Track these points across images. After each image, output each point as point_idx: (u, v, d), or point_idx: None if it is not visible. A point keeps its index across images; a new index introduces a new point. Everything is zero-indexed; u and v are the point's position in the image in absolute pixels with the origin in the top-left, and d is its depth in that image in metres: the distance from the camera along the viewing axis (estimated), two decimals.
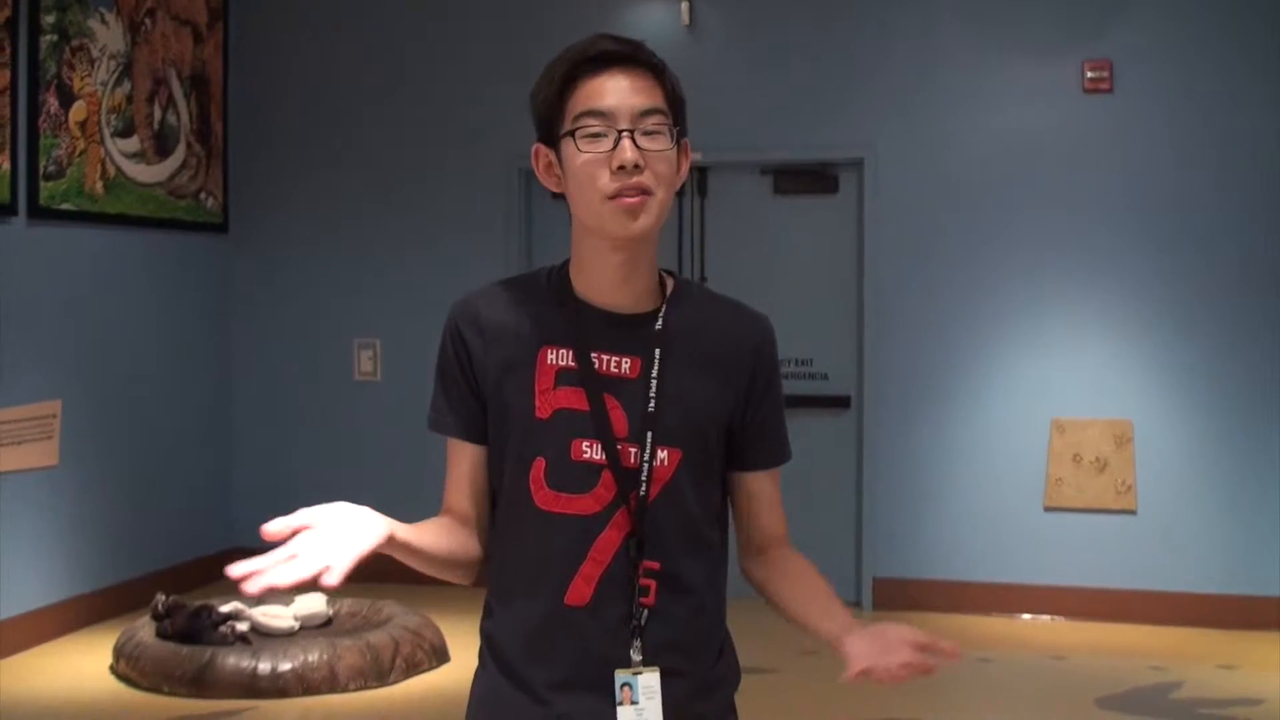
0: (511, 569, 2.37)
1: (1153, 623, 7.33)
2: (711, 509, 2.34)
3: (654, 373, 2.27)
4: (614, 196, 2.21)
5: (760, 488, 2.39)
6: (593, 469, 2.26)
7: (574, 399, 2.28)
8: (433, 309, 8.43)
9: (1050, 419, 7.50)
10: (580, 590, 2.27)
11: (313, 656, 6.16)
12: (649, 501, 2.25)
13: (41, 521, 7.01)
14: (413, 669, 6.40)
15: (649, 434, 2.26)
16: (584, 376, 2.28)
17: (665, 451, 2.26)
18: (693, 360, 2.29)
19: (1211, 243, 7.34)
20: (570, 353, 2.29)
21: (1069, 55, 7.46)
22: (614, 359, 2.28)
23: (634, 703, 2.26)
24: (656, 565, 2.26)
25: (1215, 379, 7.35)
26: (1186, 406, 7.40)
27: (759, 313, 2.39)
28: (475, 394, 2.38)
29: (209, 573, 8.25)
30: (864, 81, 7.73)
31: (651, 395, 2.27)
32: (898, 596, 7.65)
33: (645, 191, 2.21)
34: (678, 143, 2.25)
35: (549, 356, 2.30)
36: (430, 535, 2.37)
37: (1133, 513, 7.43)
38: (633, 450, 2.26)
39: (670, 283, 2.35)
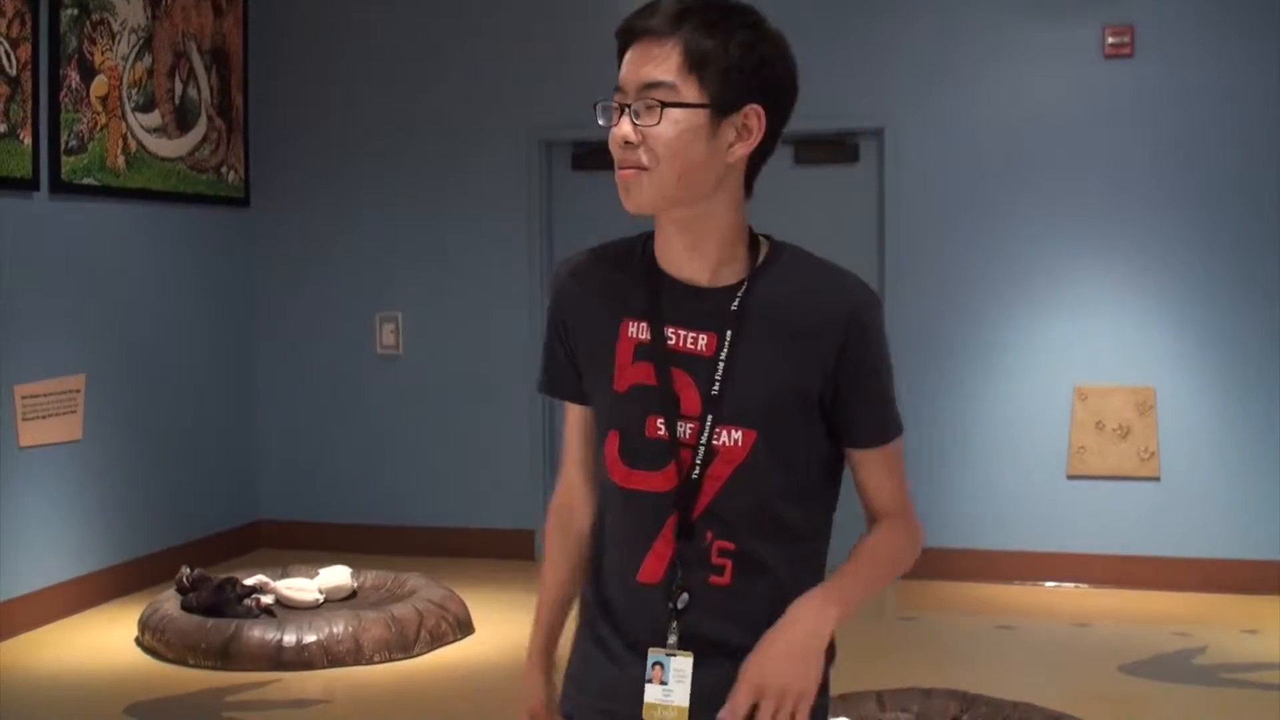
0: (602, 538, 2.37)
1: (1176, 589, 7.32)
2: (801, 488, 2.26)
3: (723, 353, 2.21)
4: (620, 171, 2.20)
5: (863, 464, 2.30)
6: (664, 447, 2.23)
7: (648, 374, 2.25)
8: (454, 282, 8.54)
9: (1073, 386, 7.48)
10: (652, 568, 2.26)
11: (338, 629, 6.19)
12: (703, 482, 2.21)
13: (66, 496, 7.04)
14: (438, 641, 6.42)
15: (709, 416, 2.21)
16: (654, 352, 2.24)
17: (738, 432, 2.20)
18: (774, 335, 2.21)
19: (1234, 208, 7.31)
20: (646, 326, 2.25)
21: (1090, 20, 7.42)
22: (690, 335, 2.23)
23: (663, 683, 2.24)
24: (731, 545, 2.22)
25: (1238, 345, 7.33)
26: (1209, 373, 7.38)
27: (857, 281, 2.26)
28: (571, 361, 2.37)
29: (234, 546, 8.32)
30: (884, 50, 7.71)
31: (717, 376, 2.21)
32: (920, 566, 7.39)
33: (639, 167, 2.17)
34: (713, 113, 2.16)
35: (629, 329, 2.27)
36: (562, 599, 2.51)
37: (1156, 479, 7.41)
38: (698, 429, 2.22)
39: (764, 250, 2.27)
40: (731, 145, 2.17)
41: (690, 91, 2.15)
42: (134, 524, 7.52)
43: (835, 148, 7.83)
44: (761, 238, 2.29)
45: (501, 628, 6.73)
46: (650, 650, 2.25)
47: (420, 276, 8.36)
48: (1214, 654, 6.30)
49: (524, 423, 8.19)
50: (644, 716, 2.24)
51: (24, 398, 6.72)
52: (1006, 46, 7.56)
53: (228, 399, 8.41)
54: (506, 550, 8.19)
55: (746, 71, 2.17)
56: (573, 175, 8.20)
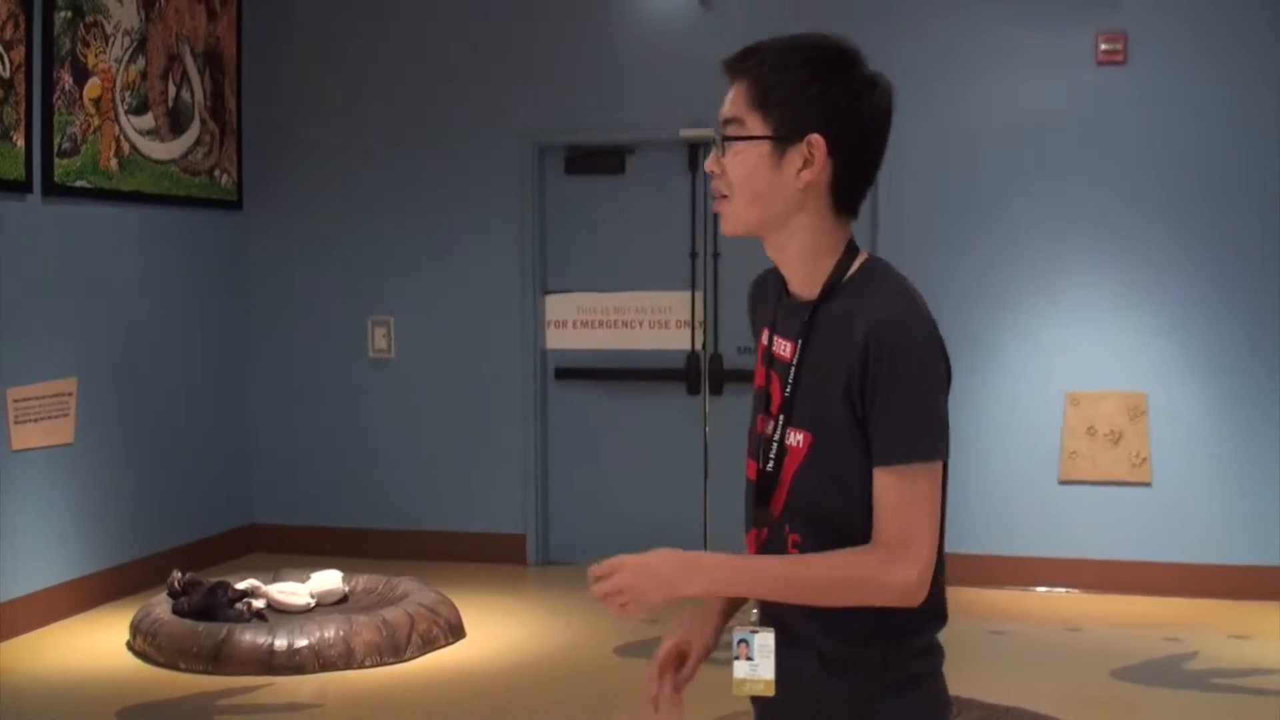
0: None
1: (1167, 594, 7.31)
2: (850, 495, 2.26)
3: (795, 359, 2.35)
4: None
5: (875, 481, 2.24)
6: (759, 441, 2.40)
7: (762, 376, 2.45)
8: (447, 286, 8.52)
9: (1065, 391, 7.49)
10: (749, 550, 2.43)
11: (329, 633, 6.18)
12: (778, 477, 2.35)
13: (58, 499, 7.02)
14: (429, 645, 6.42)
15: (781, 416, 2.35)
16: (765, 356, 2.45)
17: (800, 434, 2.32)
18: (832, 347, 2.30)
19: (1227, 215, 7.32)
20: (767, 333, 2.45)
21: (1083, 26, 7.42)
22: (783, 342, 2.39)
23: (749, 658, 2.34)
24: (798, 537, 2.33)
25: (1231, 351, 7.33)
26: (1201, 379, 7.38)
27: (884, 306, 2.25)
28: None
29: (227, 549, 8.31)
30: (878, 54, 7.58)
31: (790, 380, 2.35)
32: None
33: (722, 195, 2.35)
34: (776, 143, 2.29)
35: (763, 337, 2.47)
36: None
37: (1147, 485, 7.42)
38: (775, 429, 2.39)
39: (855, 267, 2.35)
40: (800, 172, 2.29)
41: (755, 125, 2.30)
42: (126, 528, 7.49)
43: None
44: (863, 254, 2.37)
45: (493, 632, 6.73)
46: (735, 629, 2.38)
47: (413, 280, 8.35)
48: (1205, 659, 6.30)
49: (516, 427, 8.18)
50: (734, 691, 2.36)
51: (16, 401, 6.70)
52: (1000, 52, 7.56)
53: (221, 403, 8.40)
54: (498, 555, 8.19)
55: (805, 102, 2.29)
56: (566, 179, 8.20)
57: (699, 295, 8.01)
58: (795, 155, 2.29)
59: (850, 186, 2.34)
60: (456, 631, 6.64)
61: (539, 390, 8.21)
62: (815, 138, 2.28)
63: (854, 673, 2.30)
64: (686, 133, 7.82)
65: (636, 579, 2.27)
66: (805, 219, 2.32)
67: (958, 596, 7.25)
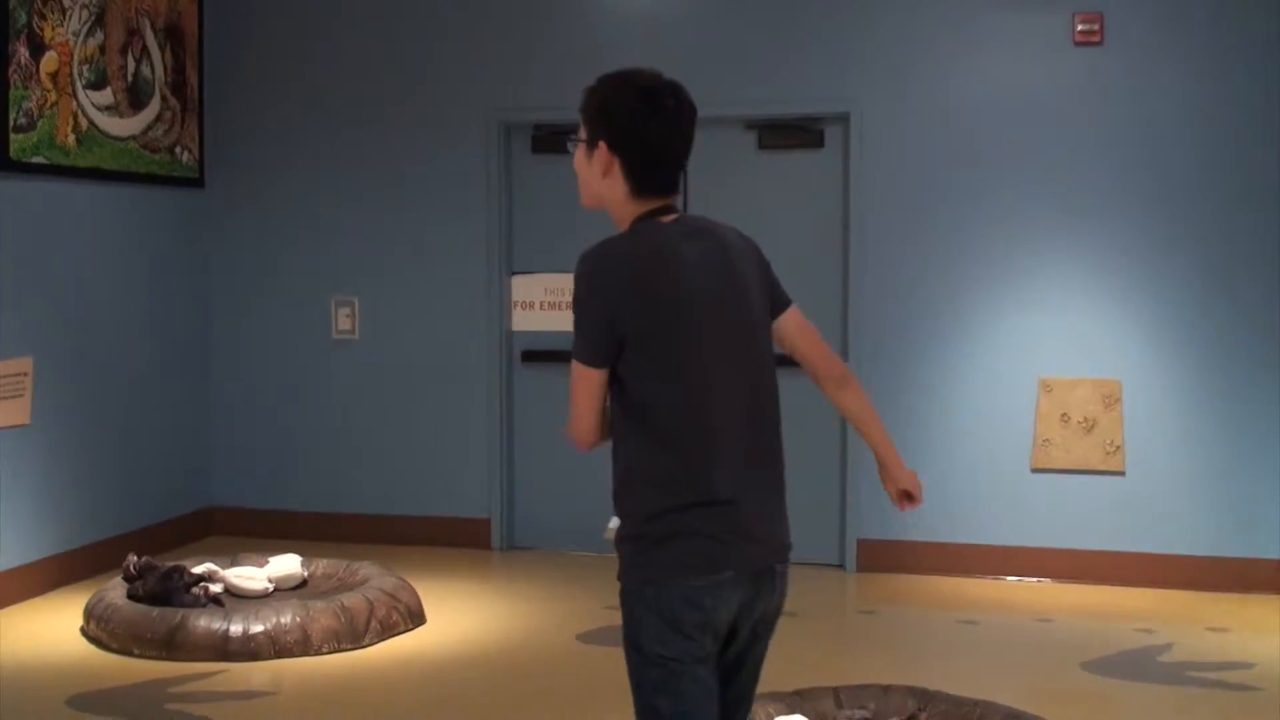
0: None
1: (1141, 585, 7.25)
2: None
3: None
4: None
5: None
6: None
7: None
8: (412, 266, 8.42)
9: (1038, 378, 7.40)
10: None
11: (285, 618, 6.06)
12: None
13: (12, 481, 6.89)
14: (388, 631, 6.30)
15: None
16: None
17: None
18: None
19: (1203, 199, 7.23)
20: None
21: (1059, 6, 7.33)
22: None
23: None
24: None
25: (1205, 338, 7.25)
26: (1176, 366, 7.29)
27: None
28: None
29: (185, 533, 8.20)
30: (850, 33, 7.60)
31: None
32: (882, 558, 7.55)
33: None
34: (586, 146, 3.14)
35: None
36: None
37: (1121, 474, 7.33)
38: None
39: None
40: (599, 167, 3.11)
41: (582, 133, 3.17)
42: (82, 510, 7.38)
43: (800, 133, 7.72)
44: (650, 219, 3.10)
45: (455, 618, 6.62)
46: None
47: (378, 260, 8.24)
48: (1179, 652, 6.21)
49: (482, 410, 8.07)
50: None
51: None
52: (975, 32, 7.46)
53: (180, 383, 8.27)
54: (462, 539, 8.08)
55: (596, 118, 3.12)
56: (532, 158, 8.07)
57: None
58: (597, 156, 3.09)
59: (640, 176, 3.07)
60: (417, 617, 6.52)
61: (505, 373, 8.09)
62: (602, 144, 3.07)
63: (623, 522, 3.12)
64: None
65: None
66: (611, 199, 3.12)
67: (927, 586, 7.27)
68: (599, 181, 3.09)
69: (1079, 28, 7.29)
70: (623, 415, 3.06)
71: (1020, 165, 7.41)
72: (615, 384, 3.04)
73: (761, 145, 7.76)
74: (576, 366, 3.04)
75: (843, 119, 7.64)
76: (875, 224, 7.56)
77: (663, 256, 3.02)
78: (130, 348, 7.79)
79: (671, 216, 3.08)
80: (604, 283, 2.99)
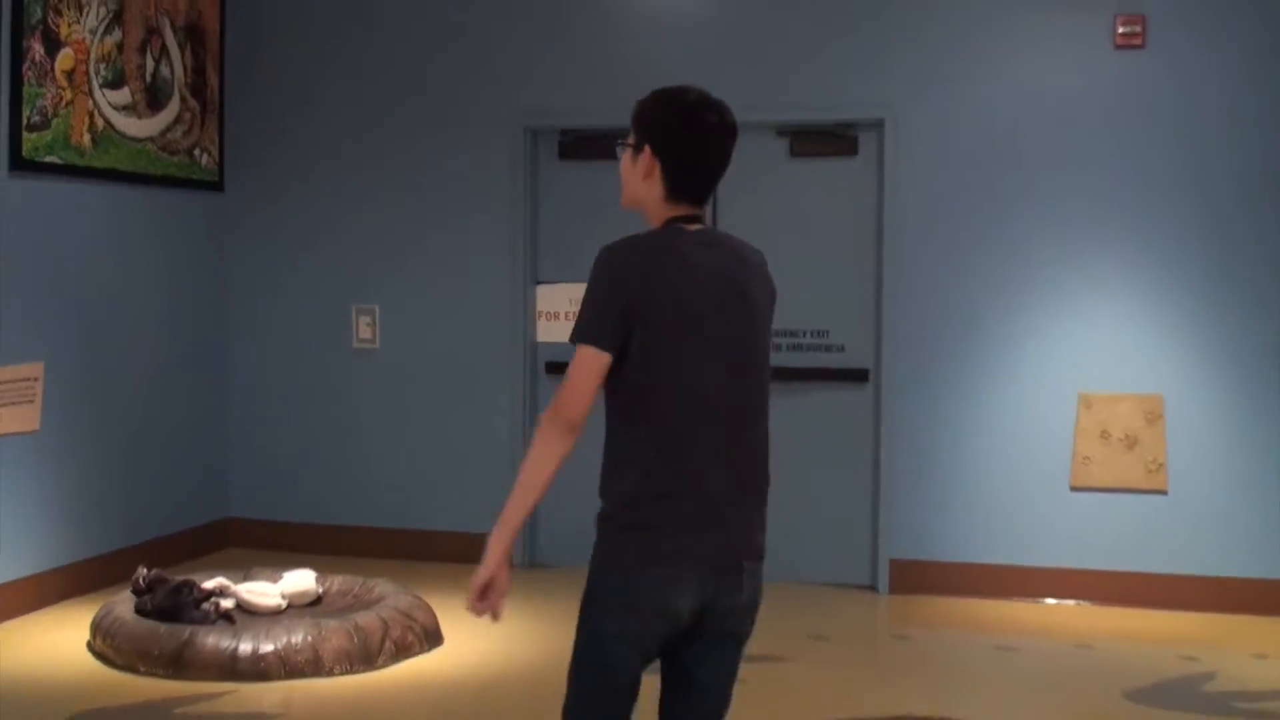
0: None
1: (1184, 609, 7.02)
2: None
3: None
4: None
5: None
6: None
7: None
8: (435, 274, 8.24)
9: (1078, 393, 7.17)
10: None
11: (296, 638, 5.86)
12: None
13: (21, 489, 6.73)
14: (403, 652, 6.10)
15: None
16: None
17: None
18: None
19: (1251, 208, 7.01)
20: None
21: (1100, 9, 7.12)
22: None
23: None
24: None
25: (1252, 352, 7.03)
26: (1221, 381, 7.07)
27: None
28: None
29: (201, 544, 8.06)
30: (885, 37, 7.40)
31: None
32: (916, 579, 7.33)
33: None
34: (634, 150, 3.33)
35: None
36: None
37: (1164, 493, 7.11)
38: None
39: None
40: (642, 170, 3.31)
41: (632, 138, 3.35)
42: (93, 520, 7.22)
43: (833, 139, 7.52)
44: (676, 225, 3.30)
45: (472, 638, 6.41)
46: None
47: (400, 268, 8.06)
48: (1224, 680, 5.98)
49: (504, 422, 7.88)
50: None
51: None
52: (1013, 35, 7.25)
53: (197, 391, 8.11)
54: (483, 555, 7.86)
55: (645, 126, 3.32)
56: (559, 164, 7.88)
57: None
58: (641, 159, 3.30)
59: (677, 182, 3.28)
60: (433, 638, 6.32)
61: (528, 385, 7.90)
62: (647, 149, 3.29)
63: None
64: None
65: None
66: (649, 199, 3.32)
67: (963, 609, 7.03)
68: (640, 184, 3.32)
69: (1121, 30, 7.08)
70: (617, 402, 3.23)
71: (1060, 172, 7.19)
72: (615, 371, 3.17)
73: (793, 153, 7.56)
74: (582, 349, 3.16)
75: (877, 125, 7.43)
76: (910, 234, 7.35)
77: (681, 257, 3.22)
78: (146, 354, 7.63)
79: (696, 225, 3.30)
80: (624, 273, 3.18)
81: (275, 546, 8.10)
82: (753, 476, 3.29)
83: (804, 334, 7.55)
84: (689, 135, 3.28)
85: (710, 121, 3.29)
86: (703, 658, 3.26)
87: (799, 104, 7.48)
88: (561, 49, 7.79)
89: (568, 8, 7.82)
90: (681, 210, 3.29)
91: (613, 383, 3.19)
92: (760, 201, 7.54)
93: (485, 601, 3.27)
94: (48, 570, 6.90)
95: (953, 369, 7.32)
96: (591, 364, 3.14)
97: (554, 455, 3.16)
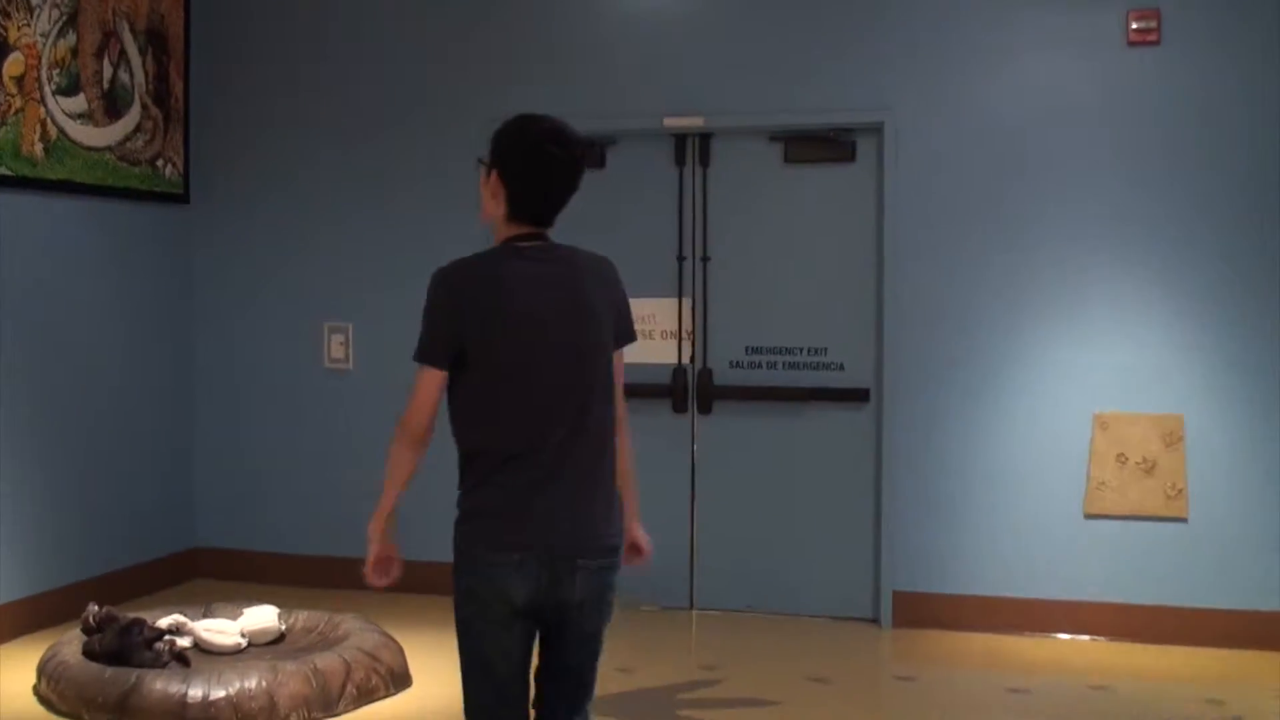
0: None
1: (1207, 645, 6.61)
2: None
3: None
4: None
5: None
6: None
7: None
8: (409, 291, 7.71)
9: (1092, 414, 6.76)
10: None
11: (250, 683, 5.45)
12: None
13: None
14: (366, 696, 5.70)
15: None
16: None
17: None
18: None
19: (1274, 213, 6.60)
20: None
21: (1110, 4, 6.73)
22: None
23: None
24: None
25: (1277, 371, 6.59)
26: (1244, 401, 6.66)
27: None
28: None
29: (167, 575, 7.73)
30: (883, 36, 7.01)
31: None
32: (921, 612, 6.91)
33: None
34: (485, 171, 3.60)
35: None
36: None
37: (1184, 520, 6.70)
38: None
39: None
40: (490, 191, 3.57)
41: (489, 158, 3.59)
42: (46, 551, 6.86)
43: (829, 145, 7.14)
44: (513, 244, 3.56)
45: (442, 679, 5.98)
46: None
47: (374, 284, 7.69)
48: None
49: None
50: None
51: None
52: (1019, 32, 6.86)
53: (160, 414, 7.73)
54: None
55: (495, 151, 3.55)
56: None
57: (687, 303, 7.31)
58: (490, 181, 3.53)
59: (517, 205, 3.51)
60: (400, 680, 5.92)
61: None
62: (495, 172, 3.52)
63: None
64: (672, 122, 7.24)
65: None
66: (495, 219, 3.57)
67: (970, 644, 6.54)
68: (489, 202, 3.57)
69: (1134, 26, 6.70)
70: (454, 408, 3.53)
71: (1070, 179, 6.80)
72: (454, 380, 3.49)
73: (788, 158, 7.17)
74: (422, 368, 3.50)
75: (875, 130, 7.05)
76: (912, 244, 6.95)
77: (501, 276, 3.47)
78: (105, 376, 7.27)
79: (533, 244, 3.53)
80: (447, 297, 3.47)
81: (244, 578, 7.75)
82: (589, 478, 3.51)
83: (800, 351, 7.16)
84: (530, 164, 3.49)
85: (552, 153, 3.48)
86: (556, 631, 3.59)
87: (793, 107, 7.09)
88: (540, 55, 7.44)
89: (547, 12, 7.44)
90: (522, 229, 3.54)
91: (451, 392, 3.51)
92: (753, 210, 7.18)
93: (385, 577, 3.73)
94: None
95: (959, 388, 6.91)
96: (429, 382, 3.50)
97: (407, 461, 3.62)
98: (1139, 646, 6.63)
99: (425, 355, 3.49)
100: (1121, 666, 6.36)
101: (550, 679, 3.67)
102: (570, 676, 3.67)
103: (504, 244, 3.53)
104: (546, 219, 3.55)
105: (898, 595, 6.98)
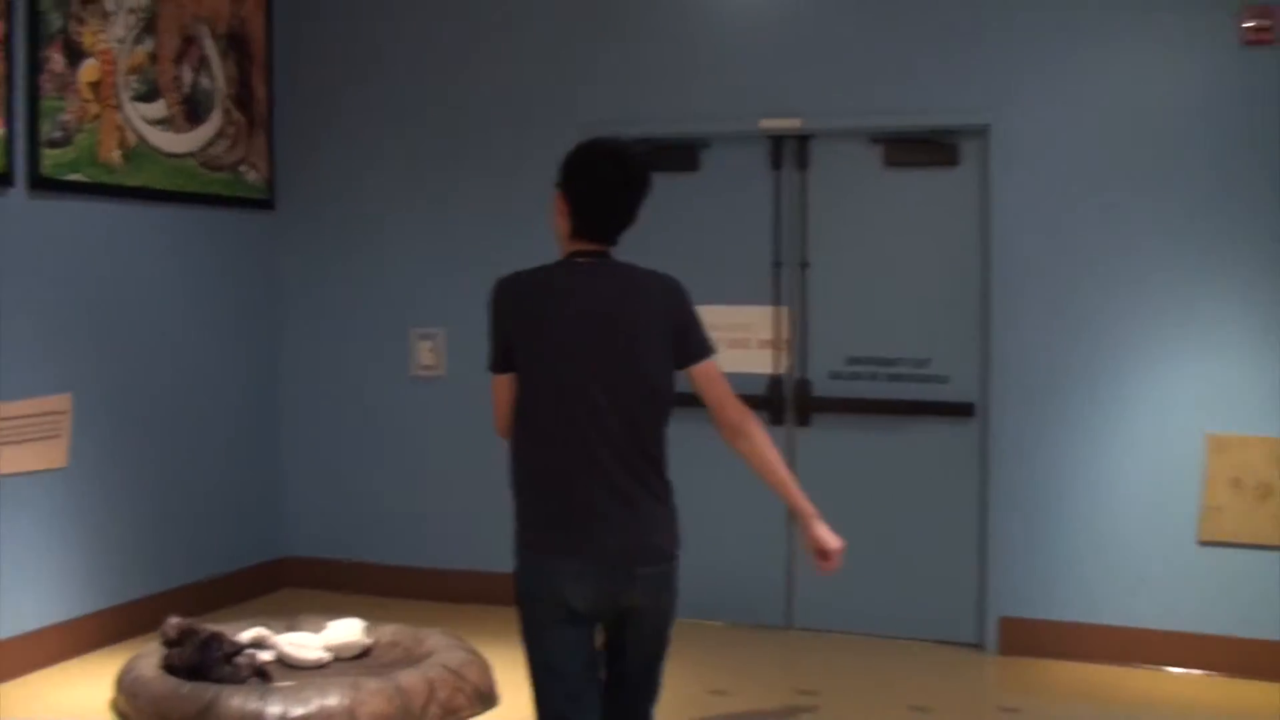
0: None
1: None
2: None
3: None
4: None
5: None
6: None
7: None
8: None
9: (1205, 434, 6.41)
10: None
11: (331, 700, 5.31)
12: None
13: (46, 530, 6.30)
14: (449, 716, 5.55)
15: None
16: None
17: None
18: None
19: None
20: None
21: (1224, 2, 6.37)
22: None
23: None
24: None
25: None
26: None
27: None
28: None
29: (255, 585, 7.66)
30: (989, 35, 6.71)
31: None
32: (1027, 640, 6.61)
33: None
34: (556, 189, 3.82)
35: None
36: None
37: None
38: None
39: None
40: (557, 209, 3.80)
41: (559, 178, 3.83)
42: (129, 562, 6.79)
43: (931, 148, 6.85)
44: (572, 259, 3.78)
45: (529, 698, 5.80)
46: None
47: (463, 288, 7.44)
48: None
49: None
50: None
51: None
52: (1130, 32, 6.52)
53: (246, 423, 7.64)
54: None
55: (562, 172, 3.81)
56: None
57: (784, 311, 7.07)
58: (557, 198, 3.77)
59: (579, 222, 3.74)
60: (486, 699, 5.76)
61: None
62: (560, 191, 3.76)
63: None
64: (768, 123, 6.99)
65: None
66: (560, 235, 3.80)
67: (1078, 675, 6.19)
68: (557, 220, 3.80)
69: (1248, 25, 6.33)
70: (516, 413, 3.72)
71: (1185, 185, 6.45)
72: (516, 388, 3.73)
73: (888, 162, 6.91)
74: (493, 375, 3.80)
75: (981, 132, 6.75)
76: (1018, 252, 6.65)
77: (554, 288, 3.71)
78: (189, 384, 7.18)
79: (591, 259, 3.75)
80: (499, 305, 3.76)
81: (333, 587, 7.67)
82: (635, 487, 3.65)
83: (902, 363, 6.89)
84: (589, 184, 3.73)
85: (606, 173, 3.72)
86: (618, 638, 3.76)
87: (894, 109, 6.82)
88: (632, 54, 7.23)
89: (635, 9, 7.25)
90: (582, 246, 3.76)
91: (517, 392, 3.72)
92: (852, 216, 6.95)
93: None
94: (78, 617, 6.48)
95: (1067, 403, 6.60)
96: (500, 388, 3.78)
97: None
98: (1256, 684, 6.24)
99: (489, 361, 3.81)
100: (1237, 705, 6.01)
101: (615, 682, 3.81)
102: (634, 679, 3.83)
103: (563, 259, 3.77)
104: (607, 236, 3.76)
105: (1003, 621, 6.67)
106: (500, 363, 3.75)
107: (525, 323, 3.68)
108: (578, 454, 3.61)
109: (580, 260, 3.74)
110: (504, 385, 3.74)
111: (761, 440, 3.81)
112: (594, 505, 3.61)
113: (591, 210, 3.73)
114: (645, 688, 3.87)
